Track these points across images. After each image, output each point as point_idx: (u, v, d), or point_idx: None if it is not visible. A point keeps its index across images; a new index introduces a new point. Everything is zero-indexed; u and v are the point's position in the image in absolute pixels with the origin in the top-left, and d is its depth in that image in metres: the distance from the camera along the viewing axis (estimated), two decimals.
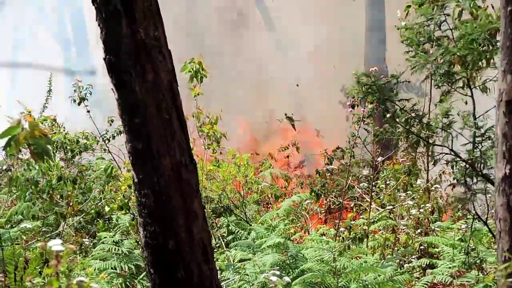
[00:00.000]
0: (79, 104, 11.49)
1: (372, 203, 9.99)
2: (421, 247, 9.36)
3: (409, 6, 8.94)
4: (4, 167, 11.55)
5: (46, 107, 14.56)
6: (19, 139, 4.05)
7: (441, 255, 8.85)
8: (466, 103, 8.38)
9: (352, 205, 10.96)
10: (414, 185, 10.49)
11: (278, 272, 6.83)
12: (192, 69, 9.59)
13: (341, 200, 10.52)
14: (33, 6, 20.46)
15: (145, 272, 8.01)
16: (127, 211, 9.52)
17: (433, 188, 10.49)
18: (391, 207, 10.03)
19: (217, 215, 10.86)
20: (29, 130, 4.09)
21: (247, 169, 12.02)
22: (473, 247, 8.59)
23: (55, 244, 3.42)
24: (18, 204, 10.01)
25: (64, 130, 12.03)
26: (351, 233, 9.04)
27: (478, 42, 7.70)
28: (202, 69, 9.65)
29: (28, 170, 9.19)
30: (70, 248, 3.52)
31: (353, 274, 7.62)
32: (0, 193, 11.54)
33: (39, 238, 9.26)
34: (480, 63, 7.84)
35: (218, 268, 7.73)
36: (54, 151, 11.08)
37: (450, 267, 8.18)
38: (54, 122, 11.90)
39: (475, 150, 7.87)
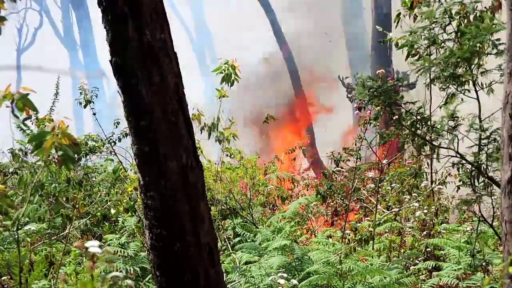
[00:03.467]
0: (84, 107, 11.45)
1: (378, 205, 9.98)
2: (427, 249, 9.35)
3: (399, 14, 8.98)
4: (11, 170, 11.55)
5: (53, 109, 14.55)
6: (48, 145, 4.06)
7: (447, 258, 8.85)
8: (462, 99, 8.37)
9: (358, 207, 10.96)
10: (419, 188, 10.50)
11: (285, 275, 6.84)
12: (225, 70, 9.47)
13: (347, 202, 10.52)
14: (39, 8, 20.49)
15: (151, 275, 8.02)
16: (133, 214, 9.52)
17: (436, 188, 10.49)
18: (397, 209, 10.03)
19: (223, 217, 10.86)
20: (60, 137, 4.11)
21: (255, 171, 12.02)
22: (479, 249, 8.58)
23: (92, 246, 3.38)
24: (25, 206, 10.02)
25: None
26: (357, 235, 9.04)
27: (483, 45, 7.70)
28: (235, 73, 9.51)
29: (35, 172, 9.18)
30: (108, 251, 3.49)
31: (359, 276, 7.62)
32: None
33: (45, 241, 9.26)
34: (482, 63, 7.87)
35: (224, 270, 7.73)
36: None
37: (456, 270, 8.17)
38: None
39: (480, 153, 7.87)
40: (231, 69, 9.47)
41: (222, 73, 9.47)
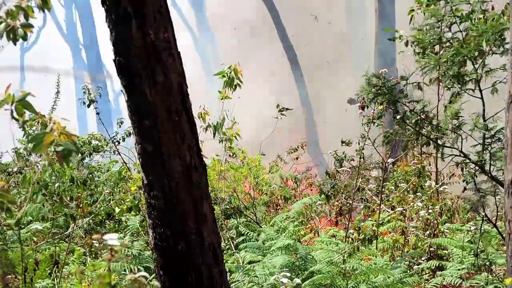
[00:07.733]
0: (88, 106, 11.46)
1: (382, 204, 9.96)
2: (430, 249, 9.34)
3: (412, 10, 8.95)
4: (15, 169, 11.56)
5: (55, 108, 14.57)
6: (47, 143, 4.05)
7: (450, 257, 8.83)
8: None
9: (362, 207, 10.93)
10: (424, 187, 10.47)
11: (288, 274, 6.83)
12: (227, 74, 9.40)
13: (350, 202, 10.50)
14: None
15: (154, 274, 8.01)
16: (137, 213, 9.52)
17: (441, 189, 10.46)
18: (400, 209, 10.01)
19: (226, 217, 10.85)
20: (57, 135, 4.08)
21: (259, 170, 12.00)
22: (483, 249, 8.56)
23: (111, 238, 3.32)
24: (28, 205, 10.02)
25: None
26: (361, 235, 9.02)
27: (488, 43, 7.68)
28: (237, 78, 9.43)
29: (38, 172, 9.18)
30: (125, 245, 3.43)
31: (362, 275, 7.61)
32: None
33: (48, 240, 9.27)
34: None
35: (227, 270, 7.72)
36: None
37: (459, 269, 8.17)
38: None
39: (484, 152, 7.85)
40: (234, 74, 9.42)
41: (224, 77, 9.42)
